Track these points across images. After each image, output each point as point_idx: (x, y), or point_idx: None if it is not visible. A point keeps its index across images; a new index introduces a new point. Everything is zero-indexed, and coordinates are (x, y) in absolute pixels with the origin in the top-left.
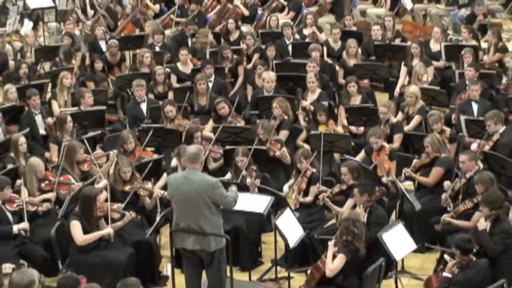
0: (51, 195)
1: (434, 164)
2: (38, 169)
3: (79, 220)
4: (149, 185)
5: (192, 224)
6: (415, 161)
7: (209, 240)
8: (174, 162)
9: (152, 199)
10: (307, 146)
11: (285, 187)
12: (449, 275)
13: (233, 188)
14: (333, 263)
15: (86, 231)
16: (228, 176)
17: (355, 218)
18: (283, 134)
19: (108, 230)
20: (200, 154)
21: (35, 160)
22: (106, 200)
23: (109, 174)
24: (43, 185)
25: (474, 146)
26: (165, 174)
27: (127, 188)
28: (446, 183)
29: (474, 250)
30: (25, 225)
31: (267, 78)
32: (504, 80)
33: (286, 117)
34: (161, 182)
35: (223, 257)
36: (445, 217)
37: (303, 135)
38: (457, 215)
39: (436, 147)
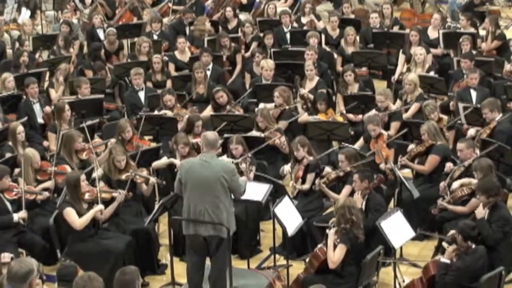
0: (49, 184)
1: (430, 152)
2: (34, 160)
3: (71, 206)
4: (144, 172)
5: (209, 208)
6: (410, 146)
7: (222, 226)
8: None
9: (149, 185)
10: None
11: (286, 167)
12: (448, 261)
13: (243, 178)
14: (334, 255)
15: (79, 215)
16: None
17: (350, 204)
18: (282, 125)
19: (100, 206)
20: (218, 140)
21: (30, 151)
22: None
23: None
24: (39, 176)
25: (471, 131)
26: (165, 157)
27: (122, 177)
28: (448, 165)
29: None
30: (23, 213)
31: (266, 66)
32: (509, 65)
33: (287, 107)
34: (162, 160)
35: (229, 246)
36: (442, 202)
37: (305, 115)
38: (454, 201)
39: (432, 134)
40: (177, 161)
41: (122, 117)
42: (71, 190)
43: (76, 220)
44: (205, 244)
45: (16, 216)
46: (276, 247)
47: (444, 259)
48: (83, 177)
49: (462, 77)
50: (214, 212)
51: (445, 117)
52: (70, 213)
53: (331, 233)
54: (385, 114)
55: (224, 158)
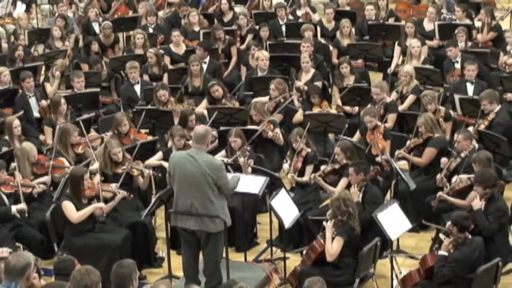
0: (46, 179)
1: (427, 144)
2: (31, 153)
3: (70, 200)
4: (140, 165)
5: (196, 203)
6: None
7: (210, 221)
8: (170, 143)
9: (145, 177)
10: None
11: (286, 165)
12: (445, 253)
13: (235, 174)
14: (332, 247)
15: (78, 211)
16: (222, 154)
17: (345, 197)
18: (277, 118)
19: (100, 204)
20: (208, 135)
21: (27, 145)
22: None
23: None
24: (35, 169)
25: (444, 160)
26: (160, 152)
27: (119, 170)
28: (443, 160)
29: (471, 228)
30: (22, 206)
31: (261, 56)
32: (505, 57)
33: (282, 100)
34: (155, 157)
35: (221, 239)
36: (441, 193)
37: (299, 113)
38: (453, 193)
39: (429, 127)
40: (167, 164)
41: (118, 111)
42: (74, 185)
43: (73, 214)
44: (195, 237)
45: (14, 208)
46: (273, 239)
47: (441, 252)
48: (87, 175)
49: (453, 67)
50: (202, 207)
51: (442, 108)
52: (68, 206)
53: (329, 225)
54: (381, 106)
55: (221, 153)
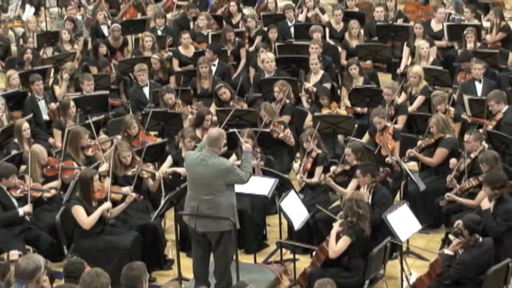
0: (56, 184)
1: (438, 144)
2: (41, 156)
3: (80, 204)
4: (150, 167)
5: (201, 206)
6: (419, 142)
7: (214, 222)
8: (181, 144)
9: (156, 180)
10: None
11: (296, 164)
12: (451, 253)
13: (248, 153)
14: (337, 245)
15: (88, 213)
16: (233, 158)
17: (358, 198)
18: (285, 119)
19: (107, 205)
20: (221, 139)
21: (37, 147)
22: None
23: None
24: (46, 171)
25: (453, 161)
26: (169, 157)
27: (129, 172)
28: (452, 161)
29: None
30: (28, 207)
31: (266, 58)
32: None
33: (288, 101)
34: (166, 164)
35: (231, 240)
36: (450, 194)
37: (308, 119)
38: (462, 192)
39: (441, 127)
40: (181, 170)
41: (127, 113)
42: (83, 187)
43: (84, 219)
44: (205, 238)
45: (21, 210)
46: (282, 241)
47: (448, 251)
48: (96, 176)
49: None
50: (208, 209)
51: (452, 109)
52: (78, 212)
53: (335, 224)
54: (391, 107)
55: (232, 157)
